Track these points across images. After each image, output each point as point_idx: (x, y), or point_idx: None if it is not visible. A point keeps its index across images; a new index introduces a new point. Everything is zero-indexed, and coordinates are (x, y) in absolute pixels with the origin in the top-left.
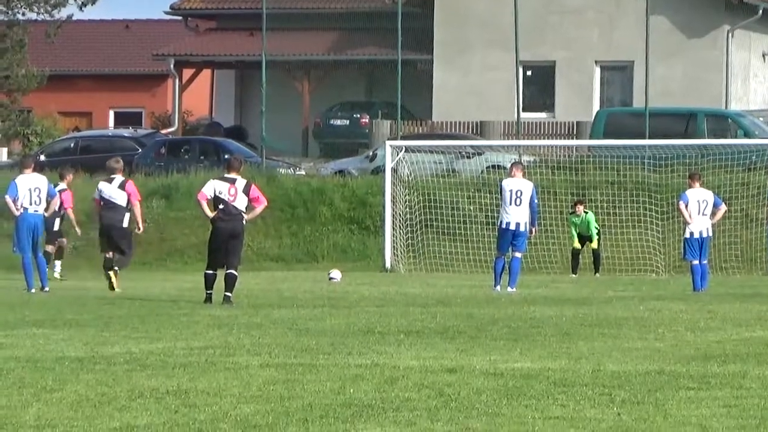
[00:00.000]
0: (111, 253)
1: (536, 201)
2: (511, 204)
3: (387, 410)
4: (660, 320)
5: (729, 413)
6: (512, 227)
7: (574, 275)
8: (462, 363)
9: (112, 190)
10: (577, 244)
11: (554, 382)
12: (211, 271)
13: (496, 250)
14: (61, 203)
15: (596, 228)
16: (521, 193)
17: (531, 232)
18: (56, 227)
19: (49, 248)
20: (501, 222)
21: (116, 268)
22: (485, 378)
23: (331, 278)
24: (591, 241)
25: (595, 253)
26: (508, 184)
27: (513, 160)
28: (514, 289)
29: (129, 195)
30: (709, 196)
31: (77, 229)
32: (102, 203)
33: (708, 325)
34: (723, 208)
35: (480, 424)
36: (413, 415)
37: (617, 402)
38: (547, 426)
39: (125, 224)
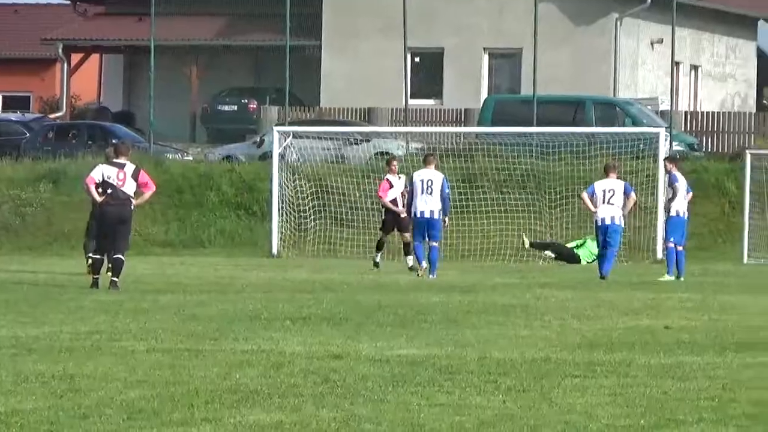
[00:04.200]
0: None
1: (447, 191)
2: (423, 194)
3: (273, 396)
4: (546, 308)
5: (614, 401)
6: (426, 215)
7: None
8: (348, 349)
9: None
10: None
11: (440, 369)
12: (98, 256)
13: (412, 238)
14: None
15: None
16: (432, 182)
17: (444, 222)
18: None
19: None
20: (414, 212)
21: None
22: (371, 364)
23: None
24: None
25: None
26: (419, 174)
27: (426, 152)
28: (435, 276)
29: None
30: (617, 185)
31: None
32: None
33: (595, 313)
34: (633, 197)
35: (365, 410)
36: (299, 401)
37: (503, 389)
38: (433, 413)
39: None
